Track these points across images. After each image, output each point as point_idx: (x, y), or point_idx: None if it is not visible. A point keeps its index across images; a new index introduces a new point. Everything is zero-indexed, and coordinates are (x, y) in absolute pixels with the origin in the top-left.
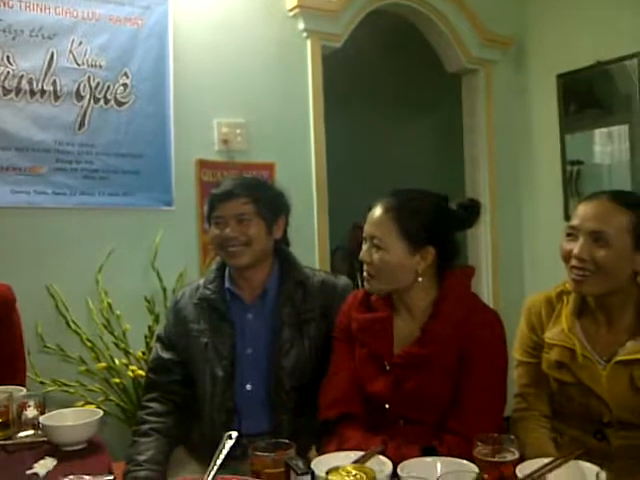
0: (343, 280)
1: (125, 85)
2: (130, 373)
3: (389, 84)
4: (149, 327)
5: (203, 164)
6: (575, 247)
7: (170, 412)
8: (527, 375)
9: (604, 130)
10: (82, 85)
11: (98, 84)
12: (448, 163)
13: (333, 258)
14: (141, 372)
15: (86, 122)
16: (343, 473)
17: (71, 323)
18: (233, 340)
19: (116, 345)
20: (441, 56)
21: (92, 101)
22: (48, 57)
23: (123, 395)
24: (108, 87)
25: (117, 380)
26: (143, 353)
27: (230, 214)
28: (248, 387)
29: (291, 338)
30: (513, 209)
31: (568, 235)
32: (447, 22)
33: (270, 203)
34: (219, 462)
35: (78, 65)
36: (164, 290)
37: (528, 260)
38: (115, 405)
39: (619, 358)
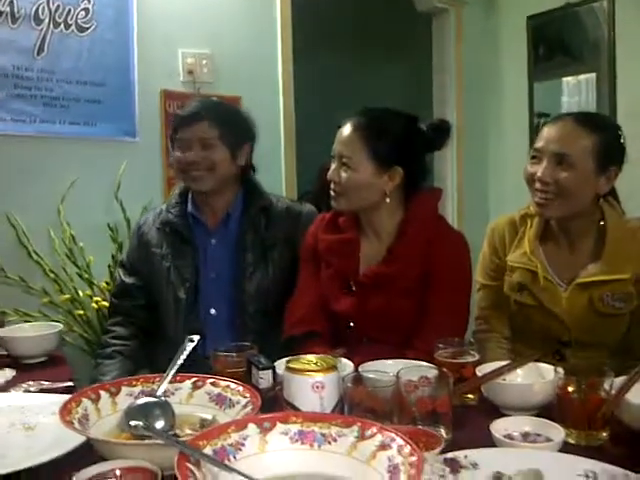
0: (307, 207)
1: (87, 10)
2: (94, 304)
3: (358, 24)
4: (113, 256)
5: (168, 95)
6: (539, 169)
7: (134, 335)
8: (488, 297)
9: (572, 79)
10: (41, 8)
11: (58, 7)
12: (417, 104)
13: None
14: (105, 303)
15: (45, 47)
16: (304, 361)
17: (33, 254)
18: (196, 263)
19: (80, 276)
20: None
21: (52, 25)
22: None
23: (87, 327)
24: (69, 11)
25: (81, 312)
26: (107, 283)
27: (194, 137)
28: (212, 311)
29: (254, 263)
30: (479, 152)
31: (532, 158)
32: None
33: (235, 128)
34: (179, 362)
35: None
36: (128, 221)
37: (493, 200)
38: (79, 336)
39: (579, 280)
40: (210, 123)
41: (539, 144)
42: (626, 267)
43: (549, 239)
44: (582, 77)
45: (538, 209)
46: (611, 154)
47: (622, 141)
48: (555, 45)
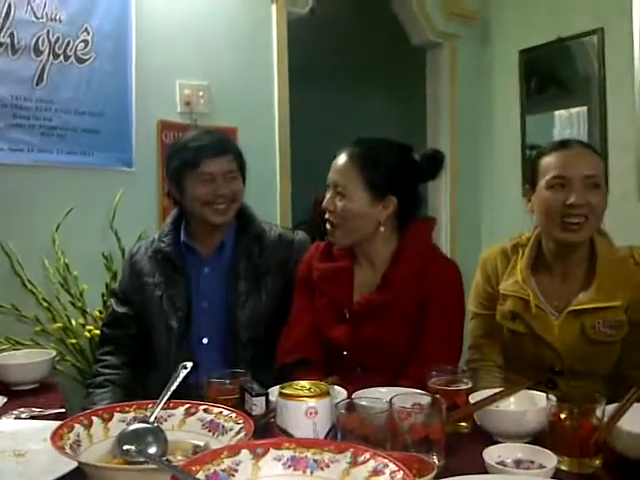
0: (300, 235)
1: (86, 42)
2: (87, 333)
3: (354, 55)
4: (106, 285)
5: (165, 125)
6: (571, 196)
7: (125, 364)
8: (481, 326)
9: (564, 112)
10: (41, 39)
11: (58, 39)
12: (412, 135)
13: None
14: (98, 332)
15: (45, 77)
16: (297, 387)
17: (27, 282)
18: (188, 292)
19: (73, 305)
20: (407, 28)
21: (51, 56)
22: (5, 8)
23: (79, 356)
24: (68, 43)
25: (73, 340)
26: (100, 312)
27: (220, 171)
28: (205, 341)
29: (247, 291)
30: (473, 183)
31: (554, 186)
32: None
33: (241, 158)
34: (173, 388)
35: (37, 18)
36: (122, 251)
37: (485, 230)
38: (71, 365)
39: (571, 308)
40: (230, 156)
41: (565, 172)
42: (617, 295)
43: (541, 268)
44: (574, 110)
45: (570, 235)
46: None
47: None
48: (547, 79)
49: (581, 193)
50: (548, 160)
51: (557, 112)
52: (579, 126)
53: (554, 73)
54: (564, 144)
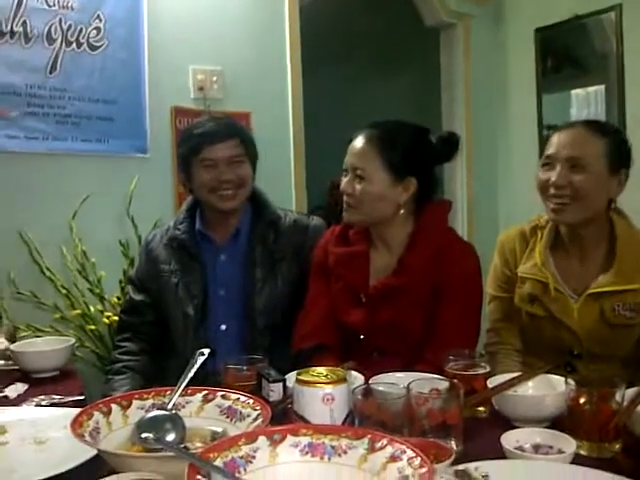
0: (315, 220)
1: (98, 29)
2: (105, 320)
3: (368, 38)
4: (124, 272)
5: (178, 111)
6: (552, 175)
7: (144, 351)
8: (500, 310)
9: (581, 91)
10: (53, 27)
11: (70, 27)
12: (426, 119)
13: None
14: (116, 318)
15: (58, 66)
16: (314, 374)
17: (45, 270)
18: (204, 279)
19: (91, 291)
20: (420, 9)
21: (64, 44)
22: None
23: (98, 342)
24: (80, 30)
25: (92, 327)
26: (118, 298)
27: (222, 156)
28: (223, 327)
29: (264, 277)
30: (489, 164)
31: (544, 165)
32: None
33: (251, 143)
34: (190, 375)
35: (49, 6)
36: (139, 237)
37: (503, 212)
38: (90, 352)
39: (591, 291)
40: (236, 141)
41: (550, 151)
42: (636, 277)
43: (559, 250)
44: (591, 89)
45: (554, 215)
46: (621, 156)
47: (629, 144)
48: (563, 57)
49: (563, 174)
50: (550, 141)
51: (574, 91)
52: (596, 105)
53: (571, 51)
54: (566, 125)
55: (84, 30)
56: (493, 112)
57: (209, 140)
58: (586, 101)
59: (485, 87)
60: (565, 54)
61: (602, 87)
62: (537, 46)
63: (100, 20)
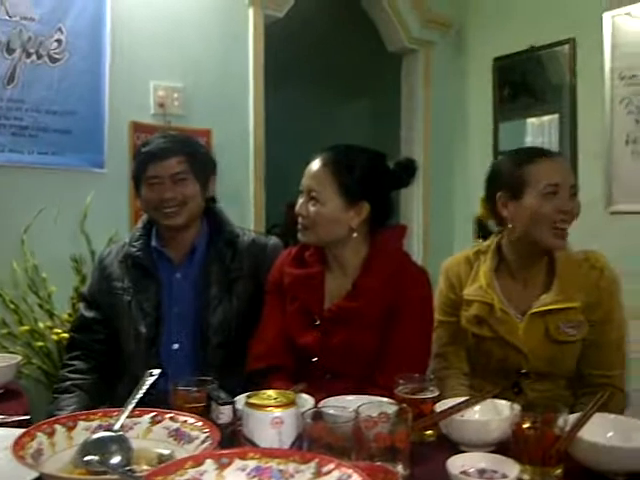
0: (273, 240)
1: (59, 41)
2: (54, 336)
3: (331, 60)
4: (75, 289)
5: (137, 127)
6: (564, 203)
7: (93, 369)
8: (446, 334)
9: (536, 120)
10: (13, 38)
11: (30, 38)
12: (385, 143)
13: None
14: (66, 335)
15: (16, 77)
16: (264, 397)
17: None
18: (158, 297)
19: (41, 307)
20: (383, 34)
21: (23, 55)
22: None
23: (46, 359)
24: (41, 42)
25: (40, 343)
26: (69, 315)
27: (165, 174)
28: (175, 346)
29: (219, 296)
30: (446, 190)
31: (546, 195)
32: (390, 0)
33: (203, 161)
34: (139, 396)
35: (9, 17)
36: (92, 253)
37: (458, 238)
38: (37, 369)
39: (534, 310)
40: (181, 158)
41: (557, 179)
42: (576, 296)
43: (503, 274)
44: (545, 118)
45: (560, 241)
46: None
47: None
48: (520, 87)
49: (569, 201)
50: (537, 168)
51: (529, 120)
52: (550, 134)
53: (527, 81)
54: (546, 153)
55: (45, 42)
56: (451, 138)
57: (153, 158)
58: (541, 130)
59: (444, 113)
60: (521, 83)
61: (556, 117)
62: (495, 75)
63: (62, 32)
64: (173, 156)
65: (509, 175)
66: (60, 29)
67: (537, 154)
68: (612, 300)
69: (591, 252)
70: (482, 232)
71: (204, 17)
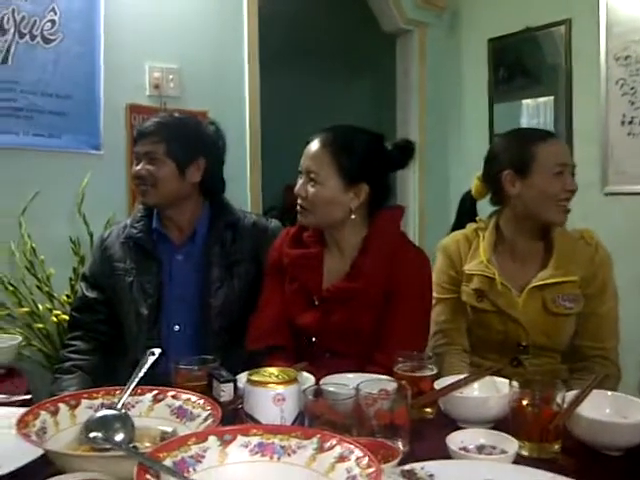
0: (274, 223)
1: (53, 22)
2: (54, 318)
3: (326, 41)
4: (74, 270)
5: (134, 109)
6: (571, 182)
7: (94, 350)
8: (446, 311)
9: (531, 101)
10: (6, 17)
11: (24, 18)
12: (380, 124)
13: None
14: (65, 317)
15: (10, 57)
16: (265, 374)
17: None
18: (159, 279)
19: (39, 289)
20: (378, 15)
21: (17, 36)
22: None
23: (46, 341)
24: (34, 22)
25: (40, 325)
26: (68, 296)
27: (140, 151)
28: (176, 328)
29: (220, 278)
30: (441, 171)
31: (557, 174)
32: None
33: (185, 144)
34: (141, 374)
35: None
36: (91, 235)
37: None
38: (37, 350)
39: (533, 284)
40: (157, 138)
41: (565, 159)
42: (573, 270)
43: (501, 252)
44: (541, 100)
45: (564, 218)
46: None
47: None
48: (515, 68)
49: (573, 179)
50: (548, 148)
51: (524, 101)
52: (545, 115)
53: (522, 62)
54: (552, 134)
55: (38, 22)
56: (447, 119)
57: (138, 136)
58: (536, 111)
59: (439, 94)
60: (517, 65)
61: (551, 98)
62: (490, 56)
63: (55, 13)
64: (150, 136)
65: (517, 154)
66: (54, 9)
67: (546, 135)
68: (606, 274)
69: (585, 230)
70: (467, 213)
71: None
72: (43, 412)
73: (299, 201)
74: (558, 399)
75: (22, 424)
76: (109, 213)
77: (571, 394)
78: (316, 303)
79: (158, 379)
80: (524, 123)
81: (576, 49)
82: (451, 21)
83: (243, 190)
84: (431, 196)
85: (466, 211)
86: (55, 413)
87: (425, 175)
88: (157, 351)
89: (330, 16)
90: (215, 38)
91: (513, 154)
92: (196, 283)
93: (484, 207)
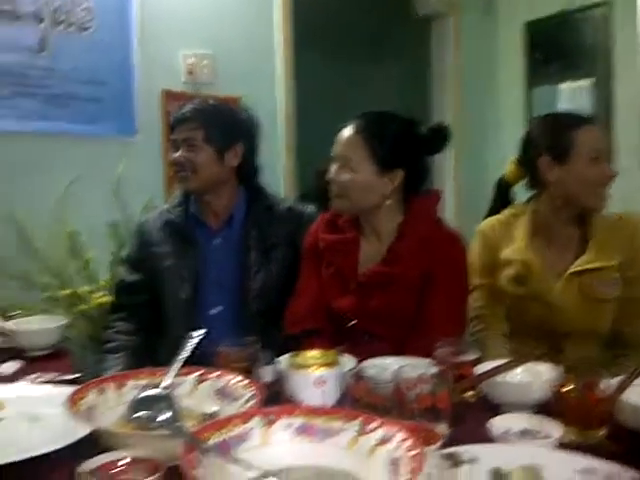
0: (310, 208)
1: (87, 9)
2: (95, 300)
3: (359, 27)
4: (112, 254)
5: (169, 95)
6: (608, 168)
7: (137, 330)
8: (483, 296)
9: (568, 85)
10: (41, 6)
11: (59, 7)
12: (415, 109)
13: None
14: (105, 299)
15: (47, 46)
16: (307, 357)
17: (35, 250)
18: (196, 264)
19: (80, 273)
20: None
21: (53, 24)
22: None
23: (89, 323)
24: (69, 10)
25: (84, 306)
26: (106, 281)
27: (179, 138)
28: (213, 311)
29: (258, 262)
30: (478, 156)
31: (595, 160)
32: None
33: (223, 129)
34: (185, 355)
35: None
36: (127, 219)
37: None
38: (80, 332)
39: (571, 270)
40: (194, 124)
41: (600, 145)
42: (612, 255)
43: (539, 239)
44: (579, 83)
45: (604, 204)
46: None
47: None
48: (552, 51)
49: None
50: (585, 134)
51: (562, 85)
52: (583, 99)
53: (559, 45)
54: (590, 119)
55: (73, 10)
56: (483, 103)
57: (175, 122)
58: (574, 95)
59: (475, 78)
60: (554, 48)
61: (590, 82)
62: (526, 39)
63: (89, 1)
64: (188, 122)
65: (555, 139)
66: None
67: (583, 120)
68: None
69: (624, 213)
70: (501, 197)
71: None
72: (91, 391)
73: (333, 187)
74: (602, 385)
75: (72, 402)
76: (145, 198)
77: (615, 380)
78: (352, 287)
79: (197, 360)
80: (562, 107)
81: (615, 31)
82: (486, 4)
83: (277, 176)
84: (468, 181)
85: (500, 196)
86: (102, 392)
87: (462, 160)
88: (200, 332)
89: (363, 0)
90: (248, 23)
91: (551, 140)
92: (234, 267)
93: (518, 192)
